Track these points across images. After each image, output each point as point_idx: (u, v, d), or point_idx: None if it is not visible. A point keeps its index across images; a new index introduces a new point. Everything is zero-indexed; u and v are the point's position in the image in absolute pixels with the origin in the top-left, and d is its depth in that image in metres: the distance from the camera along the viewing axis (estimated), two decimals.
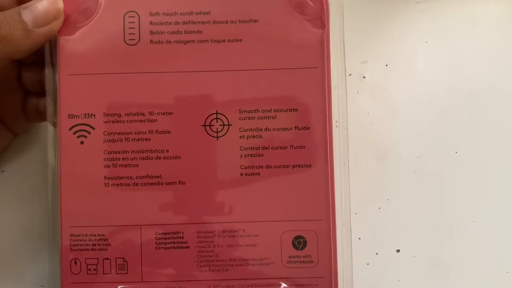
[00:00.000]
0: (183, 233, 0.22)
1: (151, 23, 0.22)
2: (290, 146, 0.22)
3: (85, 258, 0.22)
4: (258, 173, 0.22)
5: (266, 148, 0.22)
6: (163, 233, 0.22)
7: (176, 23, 0.22)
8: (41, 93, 0.23)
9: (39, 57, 0.23)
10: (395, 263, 0.26)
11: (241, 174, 0.22)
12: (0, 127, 0.25)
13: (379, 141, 0.27)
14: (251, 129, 0.22)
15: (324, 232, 0.22)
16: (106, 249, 0.22)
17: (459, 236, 0.26)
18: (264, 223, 0.22)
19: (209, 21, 0.22)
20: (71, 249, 0.22)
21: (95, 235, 0.22)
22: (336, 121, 0.23)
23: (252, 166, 0.22)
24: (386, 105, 0.27)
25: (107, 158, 0.22)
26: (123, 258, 0.22)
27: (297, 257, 0.22)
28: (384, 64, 0.27)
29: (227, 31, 0.22)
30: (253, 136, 0.22)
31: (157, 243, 0.22)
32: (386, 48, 0.27)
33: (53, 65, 0.22)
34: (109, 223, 0.22)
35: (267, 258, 0.22)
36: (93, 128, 0.22)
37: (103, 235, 0.22)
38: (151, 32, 0.22)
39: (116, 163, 0.22)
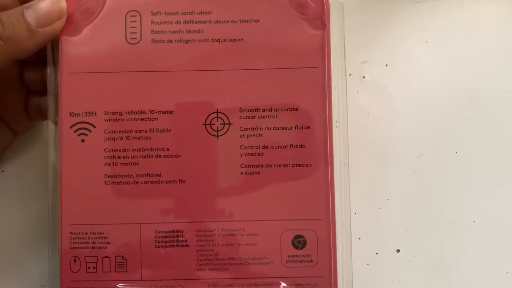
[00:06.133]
0: (182, 231, 0.22)
1: (152, 22, 0.23)
2: (290, 146, 0.22)
3: (85, 256, 0.22)
4: (258, 172, 0.22)
5: (266, 147, 0.22)
6: (162, 231, 0.22)
7: (178, 22, 0.23)
8: (43, 92, 0.23)
9: (41, 56, 0.23)
10: (395, 263, 0.26)
11: (241, 173, 0.22)
12: (2, 126, 0.25)
13: (379, 141, 0.27)
14: (251, 128, 0.22)
15: (324, 231, 0.22)
16: (106, 248, 0.22)
17: (459, 236, 0.26)
18: (264, 222, 0.22)
19: (210, 21, 0.23)
20: (71, 247, 0.22)
21: (94, 233, 0.22)
22: (336, 121, 0.23)
23: (252, 165, 0.22)
24: (386, 105, 0.27)
25: (107, 157, 0.22)
26: (123, 257, 0.22)
27: (297, 256, 0.22)
28: (384, 64, 0.27)
29: (228, 30, 0.23)
30: (253, 135, 0.22)
31: (156, 241, 0.22)
32: (386, 48, 0.27)
33: (55, 63, 0.22)
34: (109, 221, 0.22)
35: (266, 257, 0.22)
36: (94, 127, 0.22)
37: (103, 233, 0.22)
38: (153, 31, 0.23)
39: (116, 162, 0.22)
